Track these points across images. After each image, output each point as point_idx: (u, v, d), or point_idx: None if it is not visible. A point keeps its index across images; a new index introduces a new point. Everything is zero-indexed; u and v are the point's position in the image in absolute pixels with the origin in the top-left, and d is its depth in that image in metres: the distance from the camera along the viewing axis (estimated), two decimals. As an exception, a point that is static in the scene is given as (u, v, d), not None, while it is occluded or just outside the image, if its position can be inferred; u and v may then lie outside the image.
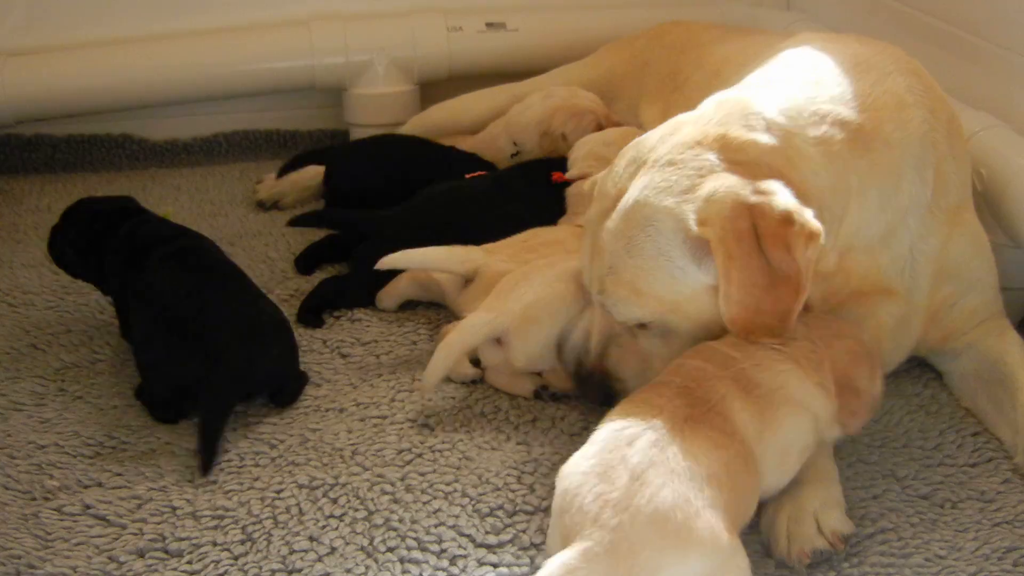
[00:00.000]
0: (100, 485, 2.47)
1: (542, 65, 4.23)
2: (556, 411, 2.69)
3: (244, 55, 4.51)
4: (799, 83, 2.47)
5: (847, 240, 2.42)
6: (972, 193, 2.72)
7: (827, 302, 2.47)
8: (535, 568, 2.17)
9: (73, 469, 2.52)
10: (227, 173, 4.44)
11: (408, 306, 3.22)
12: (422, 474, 2.47)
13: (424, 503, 2.38)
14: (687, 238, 2.26)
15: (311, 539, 2.28)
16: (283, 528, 2.31)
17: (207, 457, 2.50)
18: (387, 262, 2.95)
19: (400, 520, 2.33)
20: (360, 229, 3.37)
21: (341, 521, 2.33)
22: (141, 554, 2.25)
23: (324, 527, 2.31)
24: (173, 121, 4.72)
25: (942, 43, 3.51)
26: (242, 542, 2.27)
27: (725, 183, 2.24)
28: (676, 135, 2.39)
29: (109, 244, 2.94)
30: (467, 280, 3.01)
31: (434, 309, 3.20)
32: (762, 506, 2.23)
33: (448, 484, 2.44)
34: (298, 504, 2.38)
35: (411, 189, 3.46)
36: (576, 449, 2.48)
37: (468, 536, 2.28)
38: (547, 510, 2.33)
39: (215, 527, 2.32)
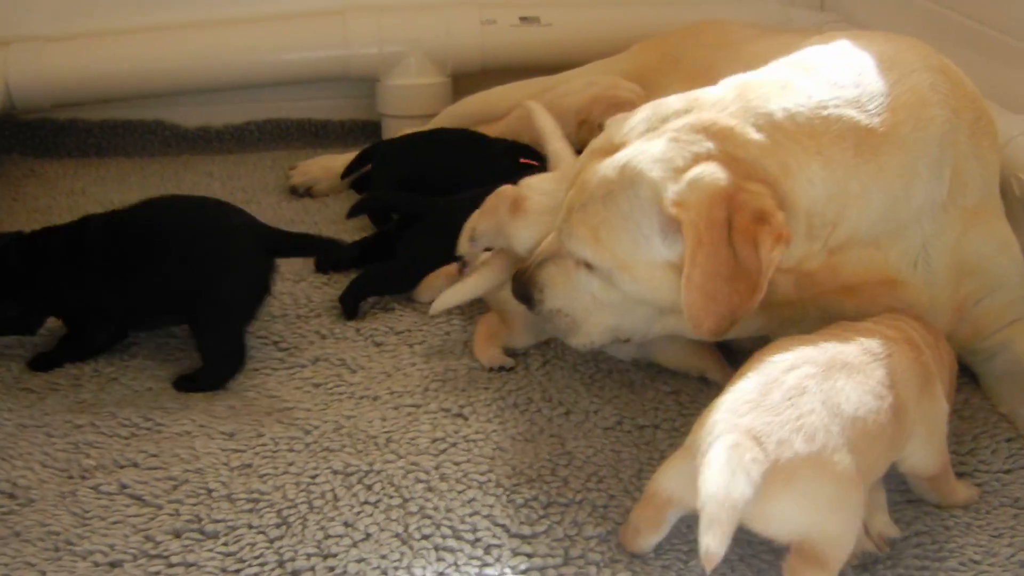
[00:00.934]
0: (136, 466, 2.48)
1: (575, 60, 4.23)
2: (590, 404, 2.70)
3: (278, 44, 4.52)
4: (816, 84, 2.46)
5: (841, 239, 2.42)
6: (1005, 196, 2.72)
7: (804, 293, 2.49)
8: (569, 560, 2.20)
9: (109, 449, 2.54)
10: (259, 161, 4.46)
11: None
12: (456, 463, 2.48)
13: (459, 492, 2.39)
14: (661, 212, 2.31)
15: (346, 525, 2.29)
16: (318, 513, 2.32)
17: None
18: (442, 305, 2.91)
19: (435, 508, 2.34)
20: (413, 211, 3.36)
21: (376, 508, 2.34)
22: (177, 534, 2.26)
23: (359, 513, 2.32)
24: (205, 108, 4.72)
25: (978, 45, 3.50)
26: (277, 525, 2.28)
27: (712, 172, 2.28)
28: (690, 115, 2.43)
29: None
30: None
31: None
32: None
33: (483, 474, 2.45)
34: (333, 490, 2.39)
35: (461, 182, 3.42)
36: (610, 442, 2.53)
37: (502, 526, 2.29)
38: (581, 503, 2.36)
39: (250, 510, 2.33)
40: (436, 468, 2.47)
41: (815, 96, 2.42)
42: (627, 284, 2.44)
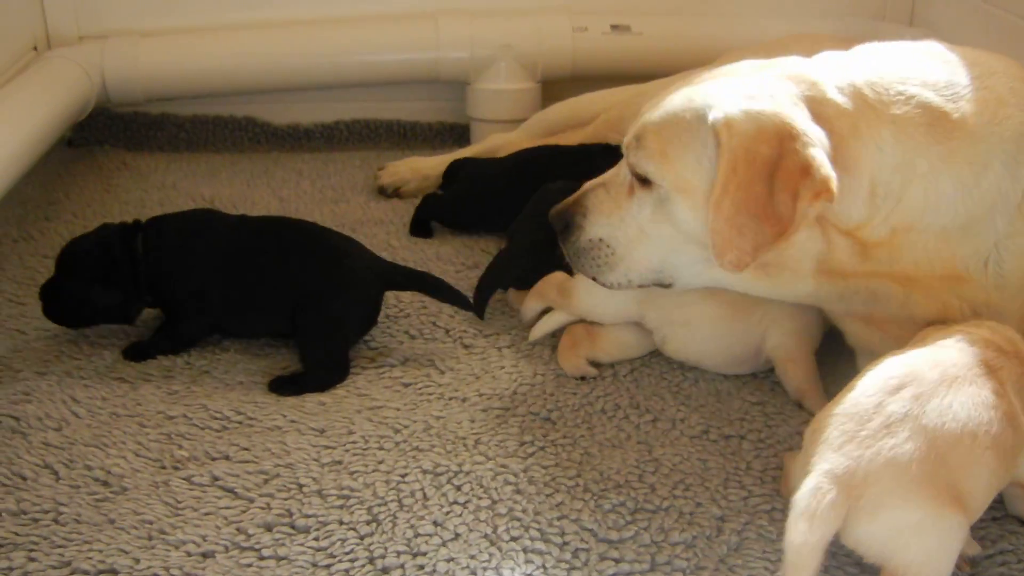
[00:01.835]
0: (228, 458, 2.51)
1: (664, 69, 4.20)
2: (677, 412, 2.70)
3: (370, 45, 4.57)
4: (901, 63, 2.51)
5: (906, 219, 2.45)
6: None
7: (859, 267, 2.52)
8: (655, 565, 2.20)
9: (201, 441, 2.57)
10: (347, 160, 4.50)
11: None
12: (544, 467, 2.49)
13: (547, 495, 2.40)
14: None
15: (435, 524, 2.30)
16: (408, 511, 2.34)
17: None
18: (540, 332, 2.96)
19: (523, 511, 2.35)
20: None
21: (465, 508, 2.35)
22: (268, 528, 2.28)
23: (448, 513, 2.34)
24: (296, 106, 4.79)
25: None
26: (367, 522, 2.30)
27: (775, 109, 2.35)
28: (779, 66, 2.51)
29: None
30: None
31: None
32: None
33: (571, 479, 2.45)
34: (422, 489, 2.41)
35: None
36: (697, 451, 2.54)
37: (590, 530, 2.29)
38: (668, 510, 2.36)
39: (341, 506, 2.35)
40: (525, 471, 2.48)
41: (899, 72, 2.46)
42: (682, 211, 2.48)
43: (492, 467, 2.48)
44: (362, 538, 2.25)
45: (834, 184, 2.29)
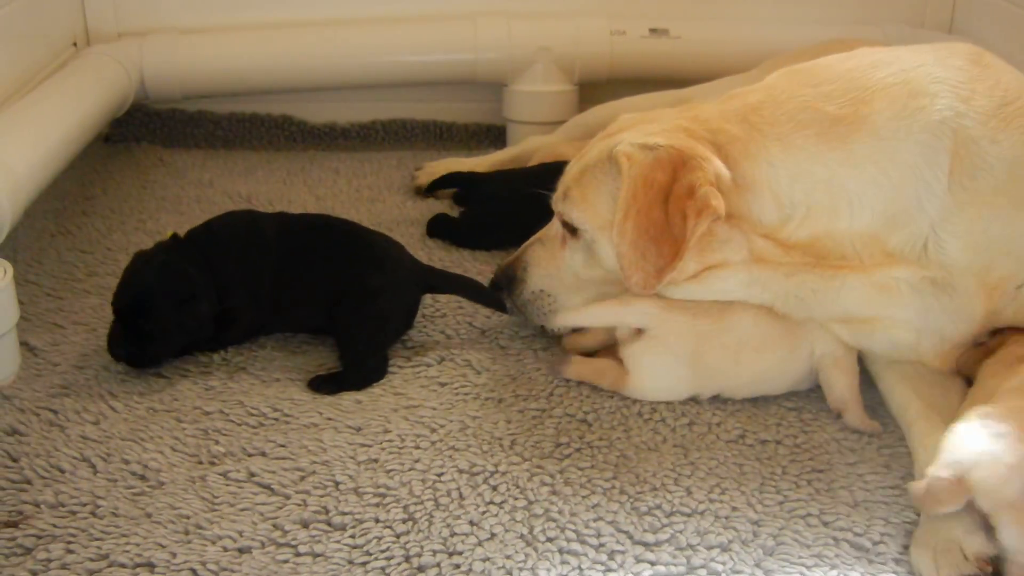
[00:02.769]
0: (264, 455, 2.51)
1: (703, 74, 4.22)
2: (713, 416, 2.70)
3: (407, 45, 4.57)
4: (791, 82, 2.69)
5: (821, 223, 2.60)
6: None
7: (797, 259, 2.64)
8: (691, 568, 2.20)
9: (238, 437, 2.57)
10: (384, 160, 4.50)
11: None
12: (580, 468, 2.49)
13: (583, 497, 2.39)
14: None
15: (471, 523, 2.30)
16: (444, 511, 2.34)
17: None
18: (570, 320, 2.90)
19: (559, 512, 2.34)
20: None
21: (501, 508, 2.35)
22: (305, 524, 2.28)
23: (484, 513, 2.34)
24: (332, 105, 4.80)
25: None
26: (404, 521, 2.30)
27: (668, 141, 2.58)
28: (684, 111, 2.78)
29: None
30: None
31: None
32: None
33: (607, 480, 2.45)
34: (458, 488, 2.41)
35: None
36: (733, 455, 2.53)
37: (626, 532, 2.29)
38: (704, 513, 2.36)
39: (377, 504, 2.35)
40: (561, 472, 2.47)
41: (792, 91, 2.65)
42: (606, 250, 2.71)
43: (528, 468, 2.48)
44: (398, 536, 2.26)
45: (716, 201, 2.49)
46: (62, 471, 2.43)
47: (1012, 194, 2.56)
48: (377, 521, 2.30)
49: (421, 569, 2.17)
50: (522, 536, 2.27)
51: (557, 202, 2.81)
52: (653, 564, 2.21)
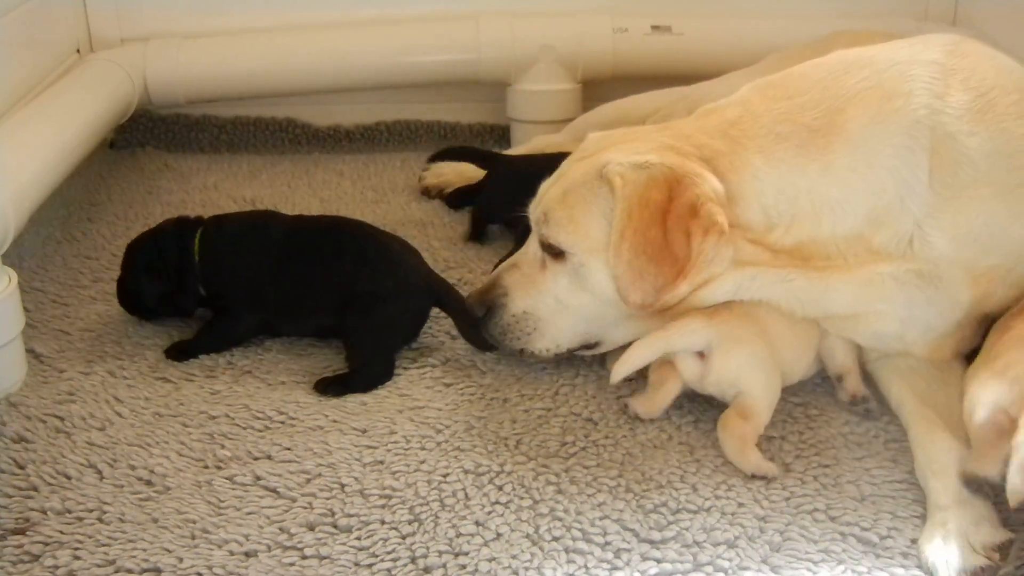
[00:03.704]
0: (270, 458, 2.51)
1: (706, 70, 4.21)
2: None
3: (410, 46, 4.59)
4: (766, 98, 2.69)
5: (806, 231, 2.60)
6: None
7: (786, 263, 2.63)
8: (698, 565, 2.20)
9: (244, 441, 2.58)
10: (388, 161, 4.51)
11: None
12: (586, 467, 2.49)
13: (588, 495, 2.40)
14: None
15: (477, 524, 2.30)
16: (450, 511, 2.34)
17: None
18: (623, 368, 2.68)
19: (565, 511, 2.34)
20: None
21: (507, 508, 2.35)
22: (311, 527, 2.28)
23: (490, 513, 2.34)
24: (336, 108, 4.81)
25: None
26: (409, 522, 2.30)
27: (661, 159, 2.57)
28: (667, 128, 2.77)
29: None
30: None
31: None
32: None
33: (612, 479, 2.45)
34: (464, 489, 2.41)
35: None
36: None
37: (632, 530, 2.29)
38: (710, 510, 2.36)
39: (383, 506, 2.35)
40: (566, 471, 2.48)
41: (761, 105, 2.67)
42: (597, 275, 2.66)
43: (534, 467, 2.49)
44: (404, 537, 2.26)
45: (721, 218, 2.50)
46: (69, 477, 2.43)
47: (995, 184, 2.56)
48: (383, 523, 2.30)
49: (427, 570, 2.17)
50: (528, 536, 2.27)
51: (539, 225, 2.75)
52: (659, 562, 2.21)
